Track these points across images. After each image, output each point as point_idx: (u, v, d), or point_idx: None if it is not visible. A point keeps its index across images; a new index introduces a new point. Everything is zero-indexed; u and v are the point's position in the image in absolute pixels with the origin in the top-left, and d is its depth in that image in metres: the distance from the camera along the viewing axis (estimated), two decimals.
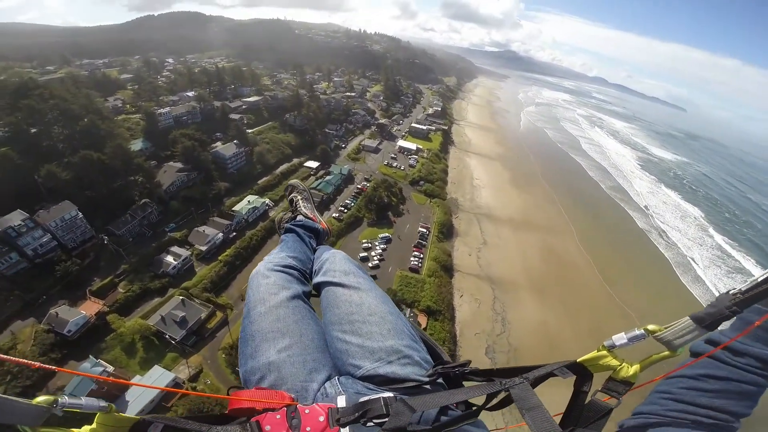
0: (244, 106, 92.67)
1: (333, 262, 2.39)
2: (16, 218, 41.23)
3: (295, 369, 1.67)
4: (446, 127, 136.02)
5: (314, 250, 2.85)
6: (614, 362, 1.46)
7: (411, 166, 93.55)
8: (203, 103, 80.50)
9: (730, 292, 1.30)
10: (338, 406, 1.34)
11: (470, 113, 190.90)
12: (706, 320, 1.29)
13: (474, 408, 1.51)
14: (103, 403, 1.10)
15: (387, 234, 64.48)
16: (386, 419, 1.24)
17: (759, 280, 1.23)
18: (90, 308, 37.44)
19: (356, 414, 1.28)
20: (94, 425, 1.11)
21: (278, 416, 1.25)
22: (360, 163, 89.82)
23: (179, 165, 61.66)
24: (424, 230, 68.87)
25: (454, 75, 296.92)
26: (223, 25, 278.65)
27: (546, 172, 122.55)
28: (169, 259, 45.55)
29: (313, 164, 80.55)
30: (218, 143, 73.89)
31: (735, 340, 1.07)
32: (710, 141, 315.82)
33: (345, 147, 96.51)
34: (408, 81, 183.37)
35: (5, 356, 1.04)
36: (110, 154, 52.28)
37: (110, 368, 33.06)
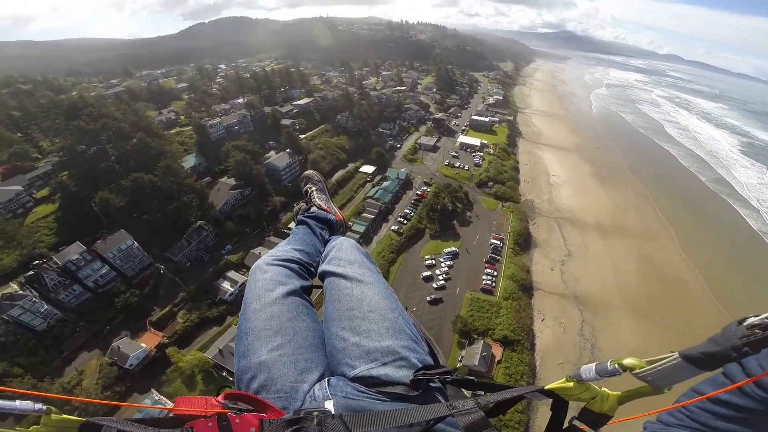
0: (295, 110, 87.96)
1: (340, 250, 2.29)
2: (74, 251, 40.70)
3: (286, 369, 1.63)
4: (511, 117, 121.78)
5: (327, 242, 2.70)
6: (585, 395, 1.37)
7: (476, 165, 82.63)
8: (253, 110, 76.63)
9: (744, 324, 1.01)
10: (327, 410, 1.29)
11: (535, 100, 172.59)
12: (703, 361, 1.06)
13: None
14: (39, 406, 1.12)
15: (453, 248, 56.87)
16: None
17: None
18: (150, 340, 37.53)
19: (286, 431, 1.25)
20: (39, 426, 1.15)
21: (210, 424, 1.23)
22: (418, 165, 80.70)
23: (232, 182, 57.75)
24: (497, 242, 59.77)
25: (509, 60, 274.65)
26: (269, 27, 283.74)
27: (632, 163, 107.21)
28: (226, 285, 43.58)
29: (368, 169, 73.10)
30: (271, 152, 69.40)
31: (763, 370, 0.94)
32: None
33: (400, 147, 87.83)
34: (461, 69, 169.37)
35: (70, 397, 1.13)
36: (161, 174, 48.96)
37: (169, 404, 29.18)
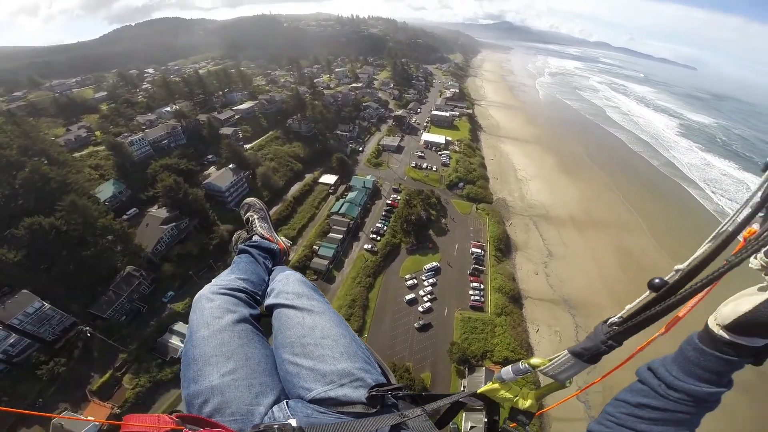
0: (236, 116, 77.02)
1: (286, 284, 2.25)
2: None
3: (239, 393, 1.58)
4: (470, 111, 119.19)
5: (270, 272, 2.64)
6: (508, 395, 1.62)
7: (444, 164, 77.88)
8: (185, 119, 64.93)
9: (607, 323, 1.36)
10: (289, 424, 1.32)
11: (488, 91, 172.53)
12: (585, 355, 1.40)
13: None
14: None
15: (434, 263, 51.98)
16: None
17: (632, 310, 1.28)
18: (98, 412, 32.52)
19: None
20: None
21: None
22: (383, 169, 74.08)
23: (164, 213, 47.28)
24: (478, 251, 55.81)
25: (458, 51, 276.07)
26: (205, 27, 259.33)
27: (589, 151, 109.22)
28: (174, 341, 37.25)
29: (329, 179, 65.14)
30: (211, 169, 59.06)
31: (670, 374, 1.09)
32: (737, 100, 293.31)
33: (363, 150, 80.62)
34: (415, 63, 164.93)
35: None
36: (66, 215, 38.06)
37: None
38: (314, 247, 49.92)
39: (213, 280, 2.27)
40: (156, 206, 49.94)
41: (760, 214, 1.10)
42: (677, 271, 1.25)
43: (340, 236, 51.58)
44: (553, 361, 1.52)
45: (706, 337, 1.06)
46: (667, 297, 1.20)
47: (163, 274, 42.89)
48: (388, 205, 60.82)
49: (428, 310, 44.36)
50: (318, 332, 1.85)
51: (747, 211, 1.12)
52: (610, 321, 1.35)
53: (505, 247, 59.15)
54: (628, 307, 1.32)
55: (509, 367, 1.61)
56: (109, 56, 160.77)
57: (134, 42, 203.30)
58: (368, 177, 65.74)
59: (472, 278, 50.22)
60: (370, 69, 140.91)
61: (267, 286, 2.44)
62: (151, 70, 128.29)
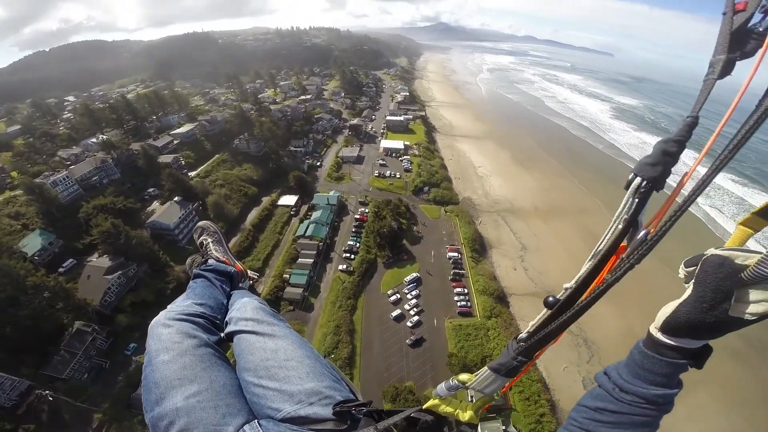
0: (175, 141, 70.11)
1: (244, 312, 2.18)
2: None
3: (206, 414, 1.54)
4: (422, 113, 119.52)
5: (229, 296, 2.58)
6: (449, 409, 1.66)
7: (406, 170, 76.62)
8: (115, 150, 57.43)
9: (517, 339, 1.43)
10: None
11: (436, 92, 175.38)
12: (502, 370, 1.47)
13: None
14: None
15: (413, 273, 50.07)
16: None
17: (534, 327, 1.37)
18: None
19: None
20: None
21: None
22: (346, 183, 71.01)
23: (106, 261, 40.99)
24: (455, 254, 54.84)
25: (402, 55, 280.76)
26: (131, 49, 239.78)
27: (539, 142, 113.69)
28: None
29: (289, 199, 60.82)
30: (155, 204, 52.54)
31: (620, 378, 1.13)
32: (654, 82, 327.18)
33: (321, 165, 76.93)
34: (363, 69, 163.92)
35: None
36: None
37: None
38: (284, 276, 45.71)
39: (168, 306, 2.14)
40: (96, 254, 43.69)
41: (632, 230, 1.16)
42: (566, 289, 1.31)
43: (311, 260, 47.80)
44: (478, 376, 1.57)
45: (648, 341, 1.10)
46: (560, 314, 1.25)
47: (118, 326, 38.60)
48: (357, 220, 57.92)
49: (417, 324, 42.61)
50: (281, 355, 1.81)
51: (619, 227, 1.18)
52: (519, 337, 1.41)
53: (480, 247, 58.77)
54: (531, 323, 1.38)
55: (443, 384, 1.68)
56: (22, 85, 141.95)
57: (50, 68, 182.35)
58: (332, 193, 62.30)
59: (454, 284, 49.11)
60: (317, 80, 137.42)
61: (226, 309, 2.34)
62: (71, 98, 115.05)
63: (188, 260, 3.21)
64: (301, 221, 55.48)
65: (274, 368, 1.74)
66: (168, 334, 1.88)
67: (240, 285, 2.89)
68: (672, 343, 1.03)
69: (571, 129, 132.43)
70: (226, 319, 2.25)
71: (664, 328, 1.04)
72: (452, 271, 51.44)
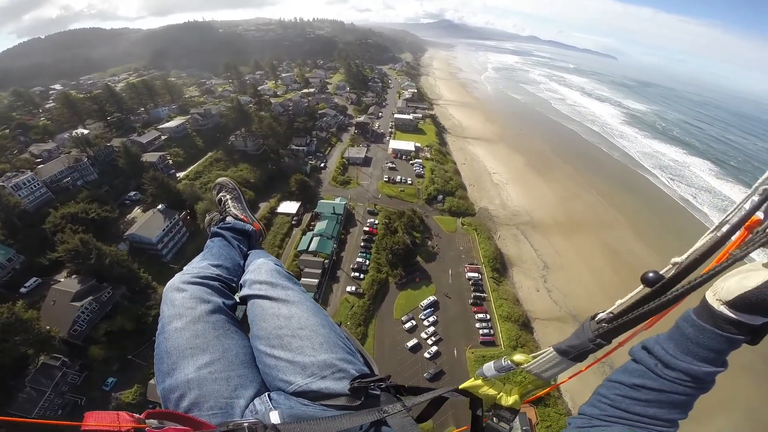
0: (163, 137, 62.93)
1: (258, 274, 2.09)
2: None
3: (218, 386, 1.52)
4: (432, 112, 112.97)
5: (246, 255, 2.51)
6: (491, 392, 1.58)
7: (418, 175, 70.02)
8: (91, 147, 50.49)
9: (596, 319, 1.28)
10: (273, 422, 1.27)
11: (443, 90, 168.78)
12: (571, 353, 1.32)
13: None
14: None
15: (430, 297, 44.93)
16: None
17: (623, 306, 1.20)
18: None
19: None
20: None
21: None
22: (353, 187, 64.47)
23: (75, 285, 34.34)
24: (475, 275, 49.51)
25: (407, 51, 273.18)
26: (129, 37, 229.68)
27: (553, 147, 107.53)
28: None
29: (290, 207, 54.23)
30: (136, 211, 45.96)
31: (667, 353, 1.05)
32: (658, 86, 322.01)
33: (325, 166, 70.26)
34: (368, 64, 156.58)
35: None
36: None
37: None
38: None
39: (184, 268, 2.10)
40: (65, 272, 37.17)
41: None
42: (675, 264, 1.15)
43: (315, 280, 41.59)
44: (538, 358, 1.45)
45: (704, 313, 0.99)
46: (662, 293, 1.09)
47: (92, 358, 32.93)
48: (365, 232, 51.53)
49: (436, 355, 38.48)
50: (295, 323, 1.75)
51: (754, 199, 1.05)
52: (598, 317, 1.27)
53: (500, 266, 53.54)
54: (618, 302, 1.22)
55: (491, 363, 1.55)
56: (10, 72, 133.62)
57: (43, 56, 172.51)
58: (338, 200, 55.73)
59: (475, 309, 44.13)
60: (321, 72, 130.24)
61: (243, 271, 2.29)
62: (58, 86, 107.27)
63: (207, 218, 3.05)
64: (304, 233, 49.01)
65: (287, 337, 1.66)
66: (181, 299, 1.81)
67: (257, 244, 2.77)
68: (737, 318, 0.93)
69: (582, 134, 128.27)
70: (241, 281, 2.13)
71: (737, 303, 0.92)
72: (472, 293, 46.41)
